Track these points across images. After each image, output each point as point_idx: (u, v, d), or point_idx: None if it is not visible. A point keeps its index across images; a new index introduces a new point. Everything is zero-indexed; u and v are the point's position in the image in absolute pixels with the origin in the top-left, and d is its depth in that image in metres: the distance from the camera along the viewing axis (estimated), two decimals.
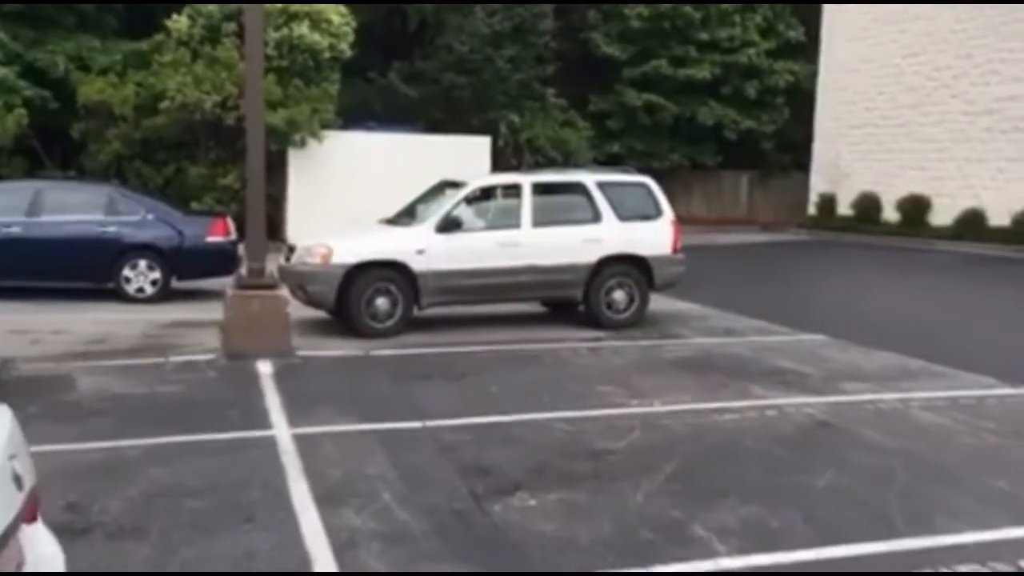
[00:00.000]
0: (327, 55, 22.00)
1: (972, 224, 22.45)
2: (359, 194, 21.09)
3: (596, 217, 11.21)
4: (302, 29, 21.47)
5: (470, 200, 10.92)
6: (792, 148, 34.41)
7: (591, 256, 11.06)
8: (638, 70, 31.14)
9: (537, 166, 27.91)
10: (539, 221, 10.95)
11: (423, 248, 10.46)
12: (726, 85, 31.77)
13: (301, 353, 9.29)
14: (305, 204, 21.06)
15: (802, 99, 33.46)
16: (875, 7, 26.09)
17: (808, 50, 33.20)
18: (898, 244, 23.23)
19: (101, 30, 22.77)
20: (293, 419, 7.00)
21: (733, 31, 31.53)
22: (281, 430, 6.74)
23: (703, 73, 30.93)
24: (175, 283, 13.09)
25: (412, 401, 7.63)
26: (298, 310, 10.15)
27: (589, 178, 11.40)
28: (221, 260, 13.05)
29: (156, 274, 12.72)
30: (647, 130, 31.77)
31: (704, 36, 31.15)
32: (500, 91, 27.65)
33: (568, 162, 28.56)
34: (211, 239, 13.05)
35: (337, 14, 22.23)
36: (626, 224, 11.26)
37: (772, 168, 34.24)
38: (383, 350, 9.74)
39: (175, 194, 21.17)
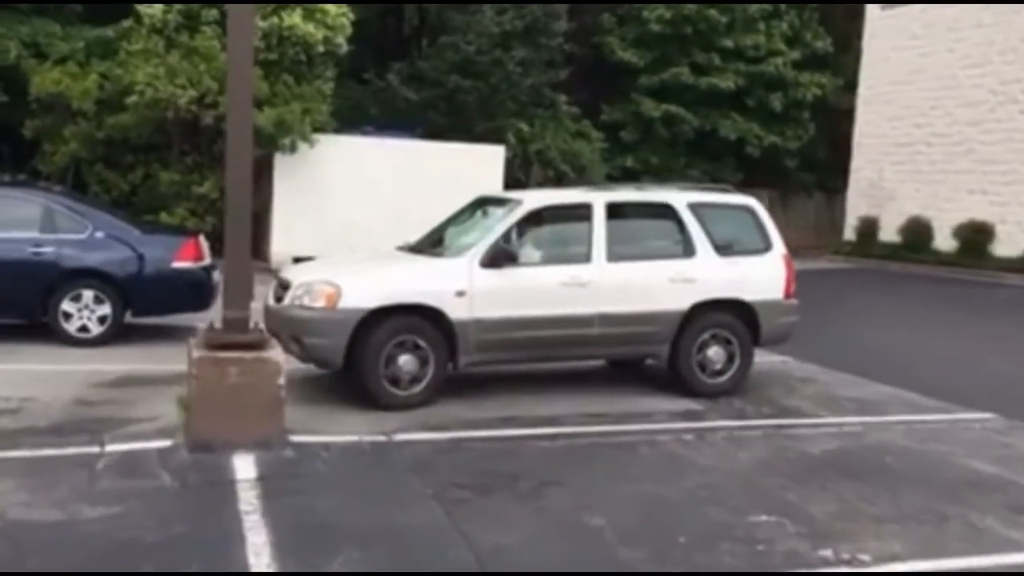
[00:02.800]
0: (321, 49, 19.26)
1: None
2: (357, 208, 18.35)
3: (688, 250, 8.48)
4: (293, 19, 18.72)
5: (523, 224, 8.16)
6: (816, 167, 32.10)
7: (682, 301, 8.33)
8: (656, 78, 28.62)
9: (547, 181, 25.35)
10: (615, 254, 8.20)
11: (464, 288, 7.69)
12: (750, 97, 29.33)
13: (295, 439, 6.49)
14: (293, 218, 18.28)
15: (828, 114, 31.20)
16: (929, 12, 23.58)
17: (834, 62, 30.97)
18: (961, 277, 20.64)
19: (62, 14, 19.84)
20: None
21: (758, 39, 29.10)
22: None
23: (727, 83, 28.47)
24: (130, 318, 10.26)
25: (476, 544, 4.85)
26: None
27: (679, 198, 8.67)
28: (190, 291, 10.24)
29: (105, 308, 9.87)
30: (664, 143, 29.25)
31: (728, 43, 28.68)
32: (509, 96, 25.09)
33: (581, 177, 26.01)
34: (178, 264, 10.21)
35: (333, 3, 19.47)
36: (726, 259, 8.55)
37: (795, 188, 31.83)
38: (410, 432, 6.96)
39: (143, 203, 18.41)
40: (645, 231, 8.70)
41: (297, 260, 18.08)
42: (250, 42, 6.63)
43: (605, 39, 29.10)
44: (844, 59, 31.33)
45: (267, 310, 8.04)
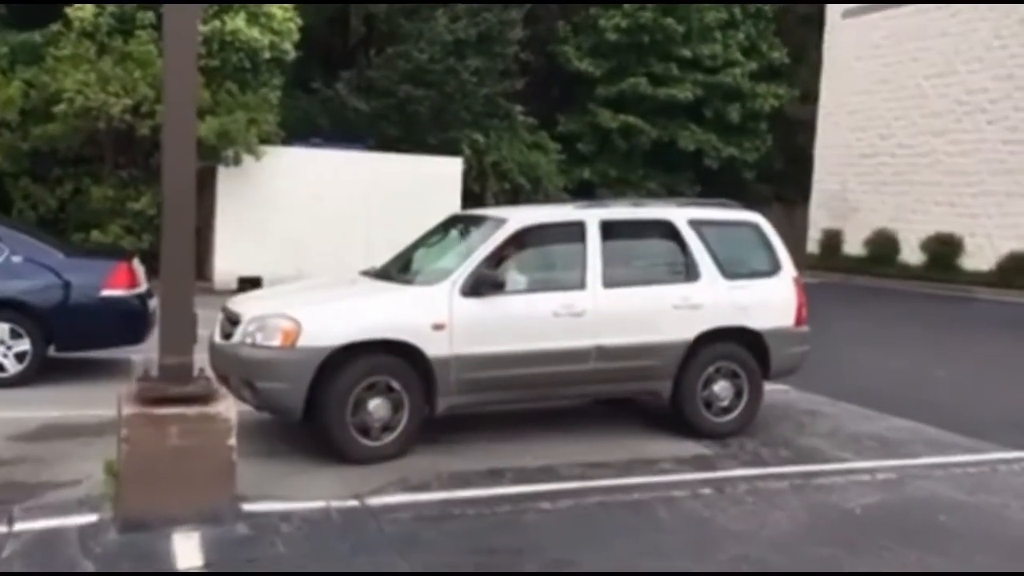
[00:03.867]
0: (267, 55, 18.10)
1: (1018, 269, 19.46)
2: (307, 224, 17.20)
3: (692, 273, 7.57)
4: (237, 23, 17.53)
5: (509, 246, 7.16)
6: (773, 178, 31.69)
7: (686, 331, 7.40)
8: (613, 88, 27.96)
9: (503, 194, 24.47)
10: (612, 279, 7.25)
11: (443, 321, 6.67)
12: (708, 108, 28.82)
13: (249, 507, 5.42)
14: (238, 235, 17.07)
15: (784, 125, 30.85)
16: (891, 21, 23.17)
17: (789, 73, 30.67)
18: (932, 291, 20.14)
19: None
20: None
21: (715, 48, 28.61)
22: None
23: (685, 93, 27.89)
24: (53, 354, 9.04)
25: None
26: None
27: (679, 214, 7.74)
28: (123, 322, 9.04)
29: (23, 344, 8.64)
30: (622, 155, 28.59)
31: (686, 53, 28.13)
32: (463, 107, 24.13)
33: (537, 190, 25.20)
34: (109, 291, 9.00)
35: (280, 8, 18.32)
36: (733, 283, 7.64)
37: (753, 200, 31.34)
38: (387, 494, 5.90)
39: (73, 220, 17.08)
40: (644, 252, 7.76)
41: (243, 281, 16.95)
42: (193, 45, 5.55)
43: (560, 48, 28.37)
44: (799, 70, 31.07)
45: (213, 348, 6.94)
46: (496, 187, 24.53)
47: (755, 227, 8.01)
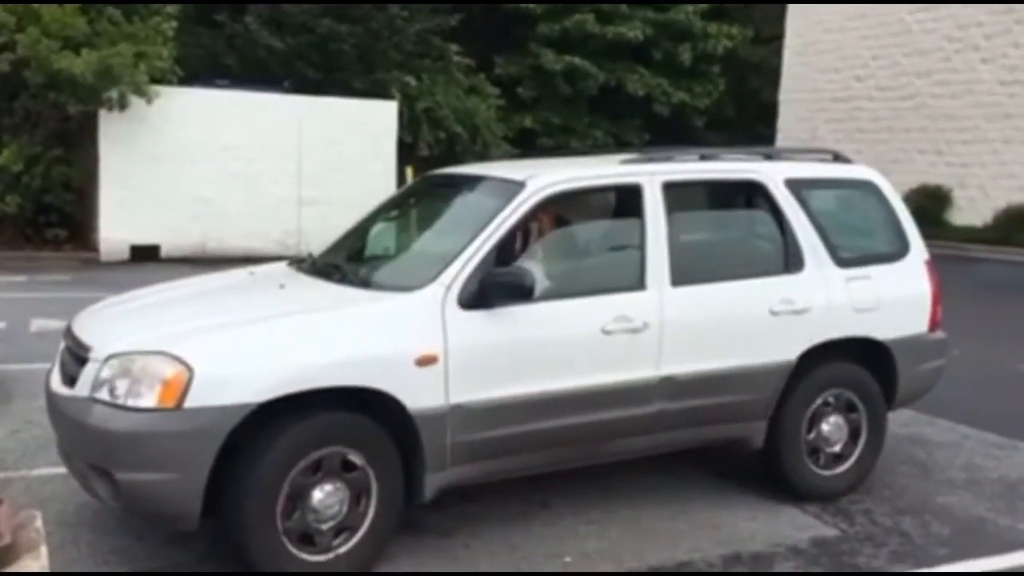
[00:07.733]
0: None
1: (1019, 223, 17.57)
2: (214, 182, 14.21)
3: (793, 259, 5.07)
4: None
5: (527, 224, 4.56)
6: (725, 126, 29.61)
7: (789, 348, 4.93)
8: (557, 26, 25.35)
9: (438, 144, 21.69)
10: (684, 272, 4.71)
11: (433, 351, 4.04)
12: (657, 49, 26.48)
13: None
14: (128, 195, 14.04)
15: (736, 69, 28.77)
16: None
17: (739, 12, 28.55)
18: None
19: None
20: None
21: None
22: None
23: (635, 32, 25.47)
24: None
25: None
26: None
27: (770, 172, 5.19)
28: None
29: None
30: (565, 101, 26.12)
31: None
32: (391, 45, 21.37)
33: (475, 140, 22.48)
34: None
35: None
36: (849, 272, 5.18)
37: None
38: None
39: None
40: (726, 229, 5.25)
41: (136, 249, 14.00)
42: None
43: None
44: (751, 10, 28.97)
45: (51, 400, 4.20)
46: (430, 136, 21.74)
47: (873, 188, 5.53)
